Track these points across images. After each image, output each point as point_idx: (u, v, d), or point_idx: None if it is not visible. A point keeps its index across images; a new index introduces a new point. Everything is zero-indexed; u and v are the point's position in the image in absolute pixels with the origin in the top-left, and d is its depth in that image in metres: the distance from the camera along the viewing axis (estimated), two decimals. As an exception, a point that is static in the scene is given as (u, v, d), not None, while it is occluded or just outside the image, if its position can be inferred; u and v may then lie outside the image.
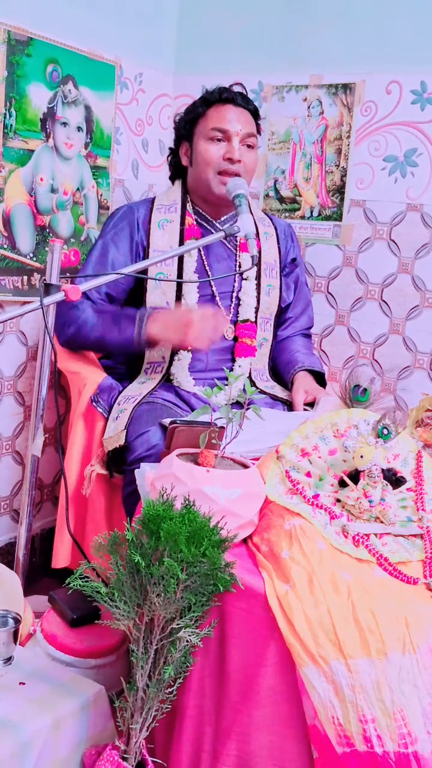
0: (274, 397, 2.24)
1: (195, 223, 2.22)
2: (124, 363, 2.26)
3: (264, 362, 2.32)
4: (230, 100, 2.15)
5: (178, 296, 2.16)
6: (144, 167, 2.70)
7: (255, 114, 2.21)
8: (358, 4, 2.41)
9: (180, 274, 2.16)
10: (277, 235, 2.35)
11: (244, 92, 2.23)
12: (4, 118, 2.14)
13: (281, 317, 2.39)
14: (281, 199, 2.64)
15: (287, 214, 2.63)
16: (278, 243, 2.35)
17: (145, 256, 2.18)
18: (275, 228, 2.36)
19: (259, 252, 2.22)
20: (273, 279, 2.31)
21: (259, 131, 2.22)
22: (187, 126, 2.20)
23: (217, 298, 2.21)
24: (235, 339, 2.24)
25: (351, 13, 2.43)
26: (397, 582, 1.46)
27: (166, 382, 2.17)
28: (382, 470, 1.60)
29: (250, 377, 2.26)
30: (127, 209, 2.24)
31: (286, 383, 2.31)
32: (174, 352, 2.16)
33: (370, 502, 1.57)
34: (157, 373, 2.16)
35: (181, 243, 2.18)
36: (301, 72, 2.54)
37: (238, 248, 2.24)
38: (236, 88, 2.21)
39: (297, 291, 2.41)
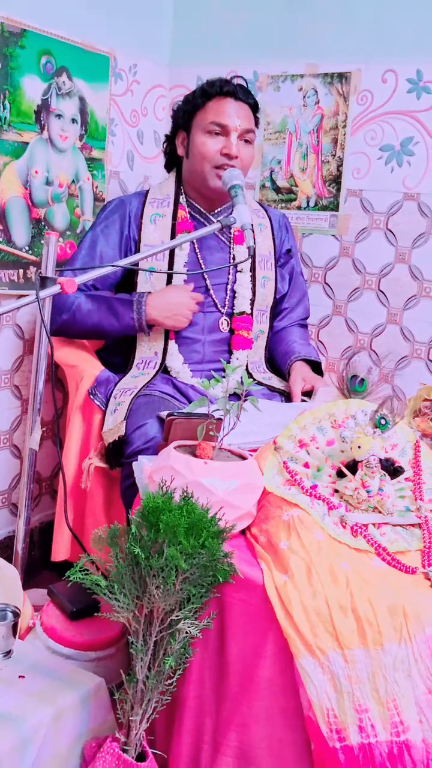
0: (272, 389, 2.24)
1: (188, 216, 2.21)
2: (120, 355, 2.26)
3: (260, 354, 2.32)
4: (231, 94, 2.13)
5: None
6: (139, 159, 2.69)
7: (254, 108, 2.19)
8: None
9: (170, 268, 2.15)
10: (272, 226, 2.35)
11: (245, 85, 2.21)
12: (-2, 110, 2.13)
13: (277, 308, 2.39)
14: (277, 190, 2.64)
15: (283, 205, 2.62)
16: (273, 234, 2.34)
17: (137, 251, 2.17)
18: (270, 219, 2.35)
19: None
20: (268, 271, 2.30)
21: (257, 124, 2.21)
22: (185, 116, 2.18)
23: (211, 291, 2.20)
24: (232, 332, 2.23)
25: (346, 2, 2.41)
26: (396, 572, 1.47)
27: (164, 373, 2.17)
28: (380, 460, 1.60)
29: (247, 369, 2.25)
30: (119, 202, 2.23)
31: (284, 374, 2.31)
32: (166, 347, 2.16)
33: (368, 492, 1.57)
34: (150, 368, 2.15)
35: (173, 238, 2.17)
36: (296, 61, 2.53)
37: (232, 240, 2.24)
38: (237, 81, 2.20)
39: (292, 281, 2.41)
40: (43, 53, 2.23)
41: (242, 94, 2.15)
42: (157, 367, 2.15)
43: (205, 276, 2.19)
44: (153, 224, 2.18)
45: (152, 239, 2.17)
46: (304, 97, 2.53)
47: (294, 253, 2.41)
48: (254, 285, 2.25)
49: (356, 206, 2.49)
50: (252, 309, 2.24)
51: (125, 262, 1.83)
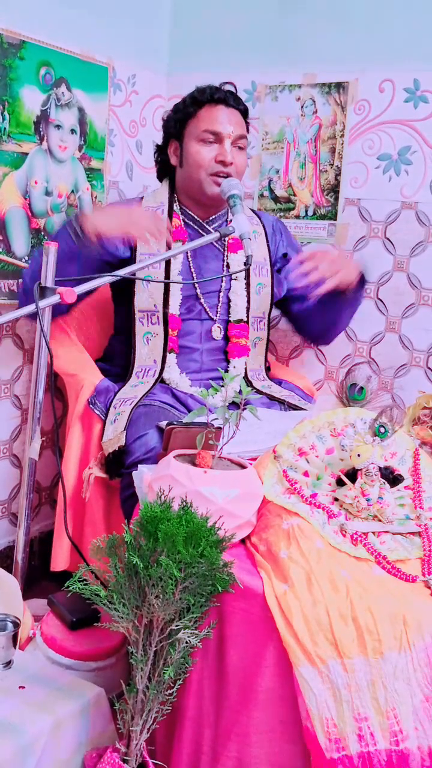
0: (271, 397, 2.24)
1: (182, 224, 2.21)
2: (121, 365, 2.26)
3: (260, 362, 2.32)
4: (222, 101, 2.14)
5: (166, 298, 2.16)
6: (138, 169, 2.70)
7: (245, 113, 2.21)
8: (351, 2, 2.41)
9: (167, 276, 2.16)
10: (266, 232, 2.35)
11: (235, 91, 2.22)
12: (-2, 121, 2.14)
13: (294, 302, 2.35)
14: (276, 199, 2.64)
15: (282, 214, 2.63)
16: (267, 241, 2.34)
17: (132, 256, 2.16)
18: (263, 225, 2.35)
19: None
20: (263, 277, 2.30)
21: (248, 130, 2.22)
22: (176, 125, 2.19)
23: (202, 299, 2.21)
24: (227, 340, 2.24)
25: (344, 12, 2.43)
26: (396, 580, 1.47)
27: (162, 383, 2.17)
28: (380, 468, 1.60)
29: (246, 377, 2.26)
30: (118, 202, 2.24)
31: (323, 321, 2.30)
32: (165, 356, 2.16)
33: (367, 500, 1.58)
34: (150, 377, 2.15)
35: (168, 247, 2.17)
36: (294, 71, 2.54)
37: (226, 248, 2.24)
38: (227, 87, 2.21)
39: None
40: (42, 64, 2.24)
41: (233, 100, 2.17)
42: (156, 376, 2.15)
43: (196, 286, 2.20)
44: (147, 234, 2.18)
45: (147, 248, 2.17)
46: (302, 106, 2.55)
47: (293, 252, 2.38)
48: (249, 292, 2.25)
49: (354, 215, 2.50)
50: (248, 316, 2.25)
51: (123, 272, 1.83)
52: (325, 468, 1.67)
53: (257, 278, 2.28)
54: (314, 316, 2.30)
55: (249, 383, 2.25)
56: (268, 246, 2.34)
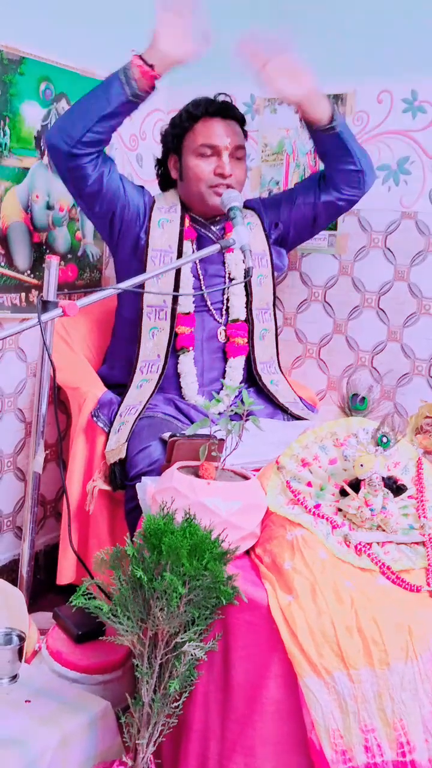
0: (275, 405, 2.24)
1: (190, 224, 2.22)
2: (122, 367, 2.25)
3: (270, 353, 2.32)
4: (217, 113, 2.15)
5: (175, 296, 2.18)
6: (139, 182, 2.69)
7: (242, 122, 2.21)
8: (348, 14, 2.42)
9: (177, 274, 2.16)
10: (261, 218, 2.33)
11: (229, 100, 2.22)
12: (-1, 137, 2.15)
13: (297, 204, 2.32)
14: (276, 210, 2.65)
15: (282, 225, 2.63)
16: (263, 226, 2.33)
17: (145, 250, 2.17)
18: (256, 212, 2.34)
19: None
20: (263, 268, 2.30)
21: (245, 137, 2.22)
22: (174, 140, 2.20)
23: (208, 302, 2.22)
24: (227, 339, 2.25)
25: (341, 24, 2.44)
26: (400, 590, 1.47)
27: (164, 392, 2.17)
28: (383, 478, 1.60)
29: (256, 371, 2.26)
30: (139, 186, 2.23)
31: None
32: (168, 350, 2.16)
33: (371, 510, 1.58)
34: (153, 373, 2.15)
35: (180, 243, 2.18)
36: (292, 83, 2.55)
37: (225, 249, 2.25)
38: (221, 98, 2.21)
39: (285, 196, 2.37)
40: (43, 79, 2.26)
41: (229, 111, 2.17)
42: (160, 371, 2.15)
43: (203, 287, 2.21)
44: (161, 228, 2.18)
45: (160, 243, 2.17)
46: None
47: (281, 215, 2.35)
48: (250, 288, 2.25)
49: (354, 225, 2.50)
50: (250, 311, 2.25)
51: (132, 282, 1.82)
52: (329, 478, 1.67)
53: (257, 270, 2.28)
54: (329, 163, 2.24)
55: (259, 377, 2.26)
56: (264, 230, 2.33)
